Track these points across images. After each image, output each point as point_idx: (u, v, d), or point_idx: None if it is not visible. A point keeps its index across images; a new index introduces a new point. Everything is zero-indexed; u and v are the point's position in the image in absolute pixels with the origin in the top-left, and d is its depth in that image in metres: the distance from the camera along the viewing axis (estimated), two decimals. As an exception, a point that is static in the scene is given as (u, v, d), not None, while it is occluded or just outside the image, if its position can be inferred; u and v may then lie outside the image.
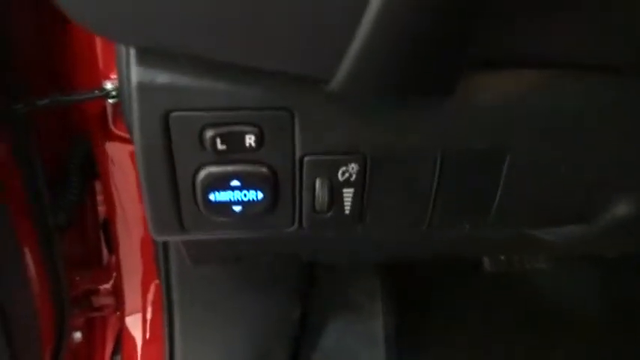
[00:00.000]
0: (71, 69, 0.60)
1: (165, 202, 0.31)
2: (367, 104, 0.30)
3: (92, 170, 0.67)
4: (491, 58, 0.29)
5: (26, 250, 0.57)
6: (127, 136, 0.64)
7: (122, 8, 0.25)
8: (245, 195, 0.31)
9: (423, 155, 0.32)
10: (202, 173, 0.31)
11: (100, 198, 0.73)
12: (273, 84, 0.28)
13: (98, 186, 0.72)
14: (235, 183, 0.31)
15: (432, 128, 0.31)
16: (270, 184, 0.31)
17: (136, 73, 0.27)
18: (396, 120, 0.30)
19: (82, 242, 0.74)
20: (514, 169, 0.34)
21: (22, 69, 0.53)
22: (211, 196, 0.31)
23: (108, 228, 0.73)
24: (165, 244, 0.62)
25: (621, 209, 0.37)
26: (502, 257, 0.85)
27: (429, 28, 0.25)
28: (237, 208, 0.32)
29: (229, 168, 0.31)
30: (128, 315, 0.71)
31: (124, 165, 0.66)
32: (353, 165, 0.32)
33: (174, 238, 0.45)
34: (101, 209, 0.74)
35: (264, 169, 0.31)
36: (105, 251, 0.76)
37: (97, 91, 0.54)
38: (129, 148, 0.64)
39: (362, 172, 0.32)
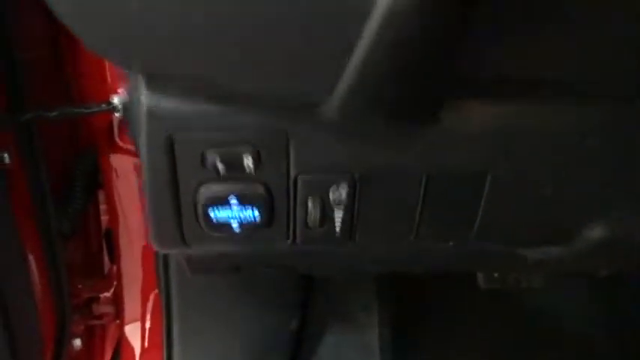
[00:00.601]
0: (81, 81, 0.63)
1: (167, 216, 0.34)
2: (357, 129, 0.32)
3: (96, 180, 0.70)
4: (476, 85, 0.32)
5: (29, 253, 0.58)
6: (131, 148, 0.66)
7: (131, 39, 0.27)
8: (242, 211, 0.33)
9: (409, 176, 0.34)
10: (203, 190, 0.33)
11: (102, 208, 0.75)
12: (270, 109, 0.31)
13: (101, 196, 0.74)
14: (233, 200, 0.33)
15: (419, 151, 0.33)
16: (266, 201, 0.33)
17: (145, 97, 0.30)
18: (384, 143, 0.33)
19: (84, 251, 0.75)
20: (495, 190, 0.36)
21: (33, 78, 0.55)
22: (211, 213, 0.33)
23: (110, 237, 0.75)
24: (165, 254, 0.64)
25: (597, 232, 0.39)
26: (495, 275, 0.86)
27: (414, 60, 0.27)
28: (234, 224, 0.34)
29: (228, 186, 0.33)
30: (127, 324, 0.72)
31: (127, 176, 0.68)
32: (343, 184, 0.34)
33: (176, 251, 0.47)
34: (104, 219, 0.76)
35: (260, 188, 0.33)
36: (106, 260, 0.77)
37: (104, 105, 0.56)
38: (133, 160, 0.66)
39: (352, 191, 0.34)
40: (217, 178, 0.32)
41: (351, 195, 0.34)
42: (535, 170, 0.35)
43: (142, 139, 0.31)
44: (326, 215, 0.35)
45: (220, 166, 0.32)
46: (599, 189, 0.37)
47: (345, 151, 0.32)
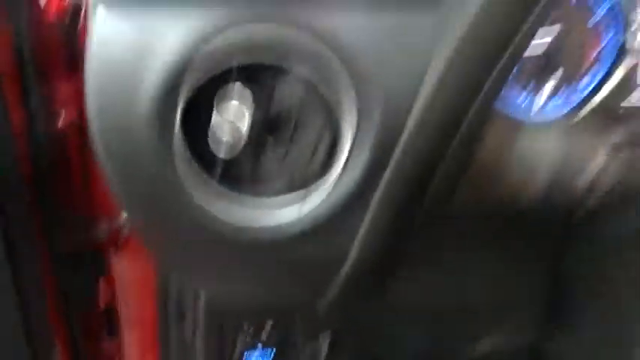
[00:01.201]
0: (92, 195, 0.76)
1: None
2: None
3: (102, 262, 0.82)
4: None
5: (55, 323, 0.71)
6: (135, 255, 0.79)
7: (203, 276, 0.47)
8: (264, 354, 0.54)
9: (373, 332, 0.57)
10: (240, 341, 0.53)
11: (103, 288, 0.87)
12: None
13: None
14: (259, 348, 0.54)
15: (374, 315, 0.56)
16: (280, 354, 0.54)
17: (206, 303, 0.49)
18: (351, 315, 0.55)
19: (87, 326, 0.87)
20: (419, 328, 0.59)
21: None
22: (245, 356, 0.54)
23: (110, 315, 0.87)
24: (167, 343, 0.80)
25: (484, 346, 0.64)
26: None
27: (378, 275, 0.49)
28: (260, 362, 0.55)
29: (255, 342, 0.53)
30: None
31: (128, 270, 0.82)
32: (326, 335, 0.55)
33: None
34: (103, 297, 0.88)
35: (275, 338, 0.54)
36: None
37: (115, 225, 0.71)
38: (137, 261, 0.80)
39: (331, 344, 0.56)
40: (249, 337, 0.53)
41: (331, 347, 0.56)
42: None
43: (200, 315, 0.51)
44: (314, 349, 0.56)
45: (250, 331, 0.52)
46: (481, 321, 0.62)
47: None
